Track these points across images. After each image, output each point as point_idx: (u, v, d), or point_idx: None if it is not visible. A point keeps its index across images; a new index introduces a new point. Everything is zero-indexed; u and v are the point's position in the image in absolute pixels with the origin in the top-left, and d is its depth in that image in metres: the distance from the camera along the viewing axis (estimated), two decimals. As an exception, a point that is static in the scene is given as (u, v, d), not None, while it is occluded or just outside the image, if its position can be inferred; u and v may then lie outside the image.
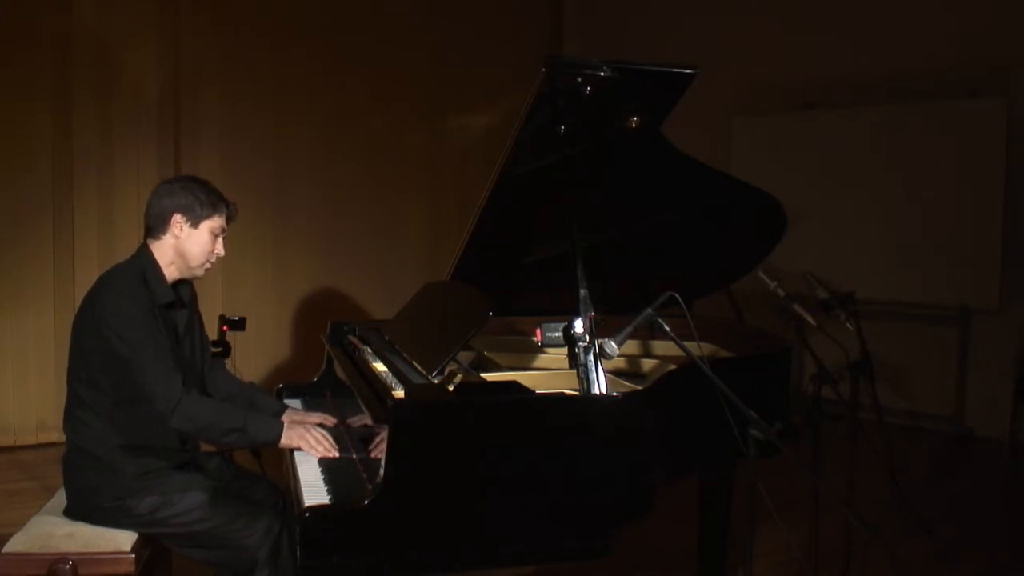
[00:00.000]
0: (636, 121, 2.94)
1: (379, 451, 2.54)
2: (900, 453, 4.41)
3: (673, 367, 2.97)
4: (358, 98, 7.03)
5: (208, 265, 2.89)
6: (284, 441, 2.76)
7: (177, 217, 2.79)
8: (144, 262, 2.80)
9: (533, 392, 2.51)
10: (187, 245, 2.82)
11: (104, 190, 5.95)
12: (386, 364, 3.04)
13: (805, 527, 3.80)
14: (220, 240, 2.89)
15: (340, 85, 6.95)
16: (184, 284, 2.94)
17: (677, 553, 3.87)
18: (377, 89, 7.13)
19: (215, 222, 2.84)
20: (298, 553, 2.24)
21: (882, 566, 3.90)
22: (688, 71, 2.79)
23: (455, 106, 7.59)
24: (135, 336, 2.64)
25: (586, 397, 2.51)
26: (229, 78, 6.46)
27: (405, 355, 3.03)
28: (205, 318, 3.15)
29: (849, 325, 3.76)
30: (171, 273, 2.83)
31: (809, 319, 3.49)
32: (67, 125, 5.87)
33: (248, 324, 4.47)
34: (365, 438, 2.71)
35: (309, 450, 2.74)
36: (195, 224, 2.81)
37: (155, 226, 2.82)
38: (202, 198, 2.82)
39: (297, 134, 6.78)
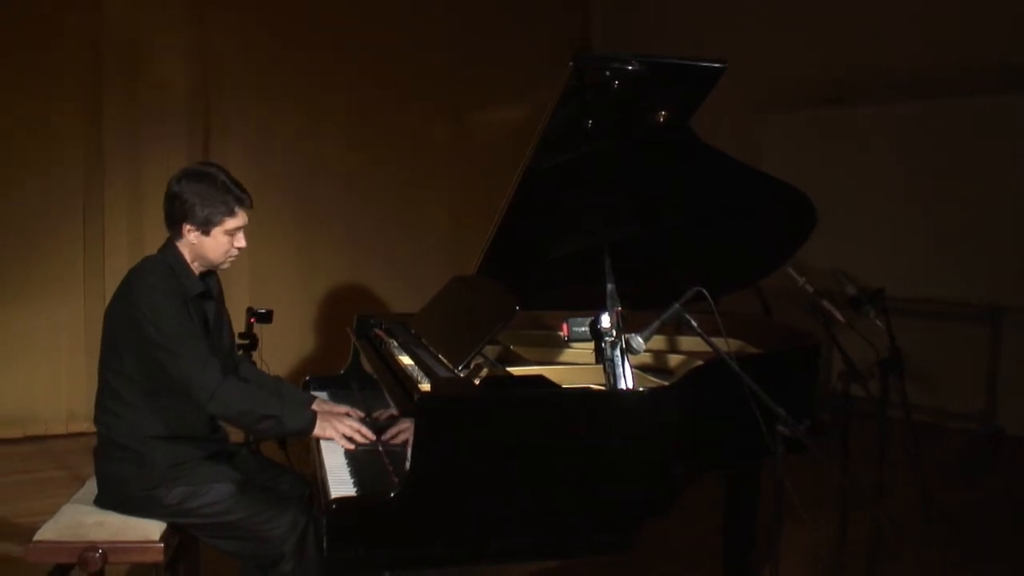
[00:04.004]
0: (664, 115, 2.93)
1: (400, 437, 2.55)
2: (929, 451, 4.37)
3: (700, 363, 2.96)
4: (385, 94, 7.04)
5: (231, 258, 2.88)
6: (317, 431, 2.76)
7: (187, 226, 2.76)
8: (170, 256, 2.80)
9: (559, 387, 2.51)
10: (202, 250, 2.80)
11: (133, 183, 6.00)
12: (412, 358, 3.05)
13: (832, 525, 3.77)
14: (239, 235, 2.84)
15: (366, 81, 6.96)
16: (211, 276, 2.95)
17: (702, 550, 3.86)
18: (404, 85, 7.14)
19: (227, 225, 2.78)
20: (324, 544, 2.25)
21: (909, 565, 3.87)
22: (716, 64, 2.76)
23: (482, 101, 7.58)
24: (170, 326, 2.66)
25: (612, 392, 2.51)
26: (256, 75, 6.49)
27: (431, 349, 3.04)
28: (232, 311, 3.17)
29: (879, 322, 3.73)
30: (196, 268, 2.84)
31: (838, 316, 3.46)
32: (97, 119, 5.93)
33: (275, 317, 4.49)
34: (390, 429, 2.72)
35: (342, 442, 2.75)
36: (206, 232, 2.77)
37: (172, 231, 2.81)
38: (209, 204, 2.73)
39: (324, 130, 6.80)
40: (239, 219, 2.81)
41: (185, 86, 6.22)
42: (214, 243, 2.79)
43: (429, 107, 7.33)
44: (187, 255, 2.81)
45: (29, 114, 5.74)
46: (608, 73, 2.66)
